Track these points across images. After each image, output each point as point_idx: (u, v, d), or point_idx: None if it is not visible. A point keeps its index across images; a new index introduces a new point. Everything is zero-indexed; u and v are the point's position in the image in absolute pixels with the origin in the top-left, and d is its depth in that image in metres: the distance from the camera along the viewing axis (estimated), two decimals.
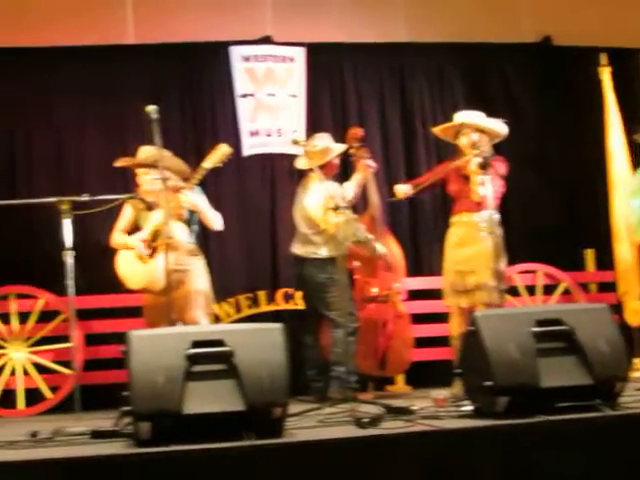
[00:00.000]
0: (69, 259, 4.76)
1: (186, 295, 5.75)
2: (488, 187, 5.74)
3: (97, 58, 7.37)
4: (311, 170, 6.28)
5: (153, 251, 5.73)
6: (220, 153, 5.85)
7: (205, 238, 6.68)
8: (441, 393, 5.02)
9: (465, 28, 7.79)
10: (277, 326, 3.80)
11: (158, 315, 5.63)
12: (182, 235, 5.77)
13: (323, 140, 6.52)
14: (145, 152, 5.96)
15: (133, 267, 5.81)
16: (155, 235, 5.73)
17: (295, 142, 6.25)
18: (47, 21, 7.29)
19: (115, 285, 6.21)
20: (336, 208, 5.35)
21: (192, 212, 5.92)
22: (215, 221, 5.99)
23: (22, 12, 7.31)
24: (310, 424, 4.20)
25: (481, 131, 6.15)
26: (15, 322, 6.86)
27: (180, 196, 5.72)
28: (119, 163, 6.06)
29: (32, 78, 7.37)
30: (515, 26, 7.98)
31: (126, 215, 6.04)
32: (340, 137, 6.87)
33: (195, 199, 5.81)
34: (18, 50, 7.28)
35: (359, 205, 6.99)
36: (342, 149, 6.58)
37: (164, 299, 5.33)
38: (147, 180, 5.94)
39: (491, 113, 6.38)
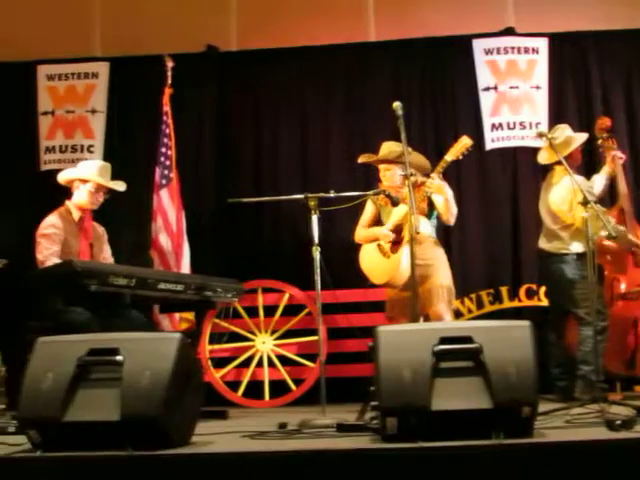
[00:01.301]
0: (317, 254, 4.82)
1: (430, 289, 5.73)
2: None
3: (341, 57, 7.54)
4: (556, 163, 6.09)
5: (396, 246, 5.75)
6: (461, 145, 5.79)
7: (446, 233, 6.65)
8: None
9: None
10: (525, 323, 3.70)
11: (401, 310, 5.66)
12: (425, 229, 5.74)
13: (564, 131, 6.31)
14: (387, 148, 5.99)
15: (376, 262, 5.85)
16: (398, 230, 5.75)
17: (540, 135, 6.06)
18: (294, 23, 7.51)
19: (357, 280, 6.30)
20: (584, 202, 5.14)
21: (432, 207, 5.89)
22: (453, 213, 5.92)
23: (271, 15, 7.58)
24: (558, 424, 4.07)
25: None
26: (262, 315, 7.10)
27: (427, 182, 5.70)
28: (362, 159, 6.12)
29: (279, 78, 7.63)
30: None
31: (368, 211, 6.10)
32: (584, 128, 6.68)
33: (442, 183, 5.77)
34: (266, 51, 7.57)
35: (605, 198, 6.73)
36: (584, 138, 6.35)
37: (407, 294, 5.33)
38: (389, 176, 5.97)
39: None
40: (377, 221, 6.03)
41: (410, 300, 5.07)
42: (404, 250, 5.58)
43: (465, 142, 5.80)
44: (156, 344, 3.64)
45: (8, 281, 5.32)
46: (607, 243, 6.14)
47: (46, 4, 7.68)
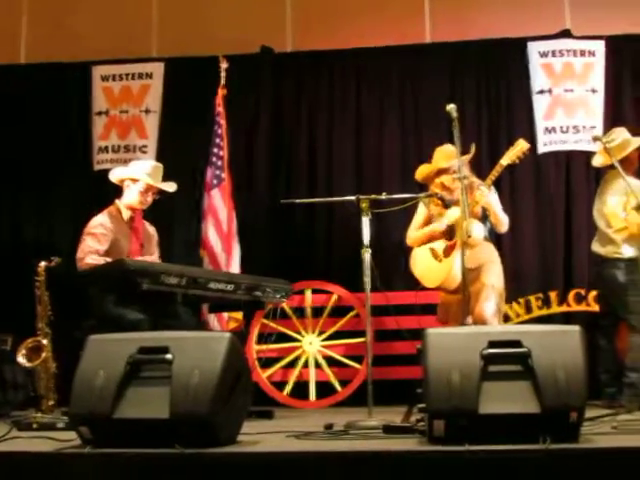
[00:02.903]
0: (367, 256, 4.79)
1: (478, 290, 5.66)
2: None
3: (396, 58, 7.55)
4: (611, 167, 6.02)
5: (449, 249, 5.72)
6: (518, 149, 5.73)
7: (499, 236, 6.58)
8: None
9: None
10: (576, 328, 3.65)
11: (453, 313, 5.63)
12: (479, 232, 5.69)
13: (620, 134, 6.22)
14: (442, 153, 5.94)
15: (429, 266, 5.82)
16: (452, 232, 5.72)
17: (596, 138, 6.01)
18: (349, 24, 7.54)
19: (407, 282, 6.29)
20: (638, 206, 5.07)
21: (485, 209, 5.85)
22: (503, 224, 5.88)
23: (326, 16, 7.63)
24: (604, 430, 4.02)
25: None
26: (309, 316, 7.11)
27: (476, 193, 5.65)
28: (419, 176, 6.05)
29: (333, 79, 7.66)
30: None
31: (421, 213, 6.05)
32: None
33: (490, 198, 5.73)
34: (321, 52, 7.62)
35: None
36: None
37: (459, 297, 5.30)
38: (443, 178, 5.93)
39: None
40: (429, 224, 5.99)
41: (462, 303, 5.04)
42: (457, 253, 5.56)
43: (522, 145, 5.74)
44: (206, 343, 3.65)
45: (60, 279, 5.38)
46: None
47: (102, 5, 7.78)
